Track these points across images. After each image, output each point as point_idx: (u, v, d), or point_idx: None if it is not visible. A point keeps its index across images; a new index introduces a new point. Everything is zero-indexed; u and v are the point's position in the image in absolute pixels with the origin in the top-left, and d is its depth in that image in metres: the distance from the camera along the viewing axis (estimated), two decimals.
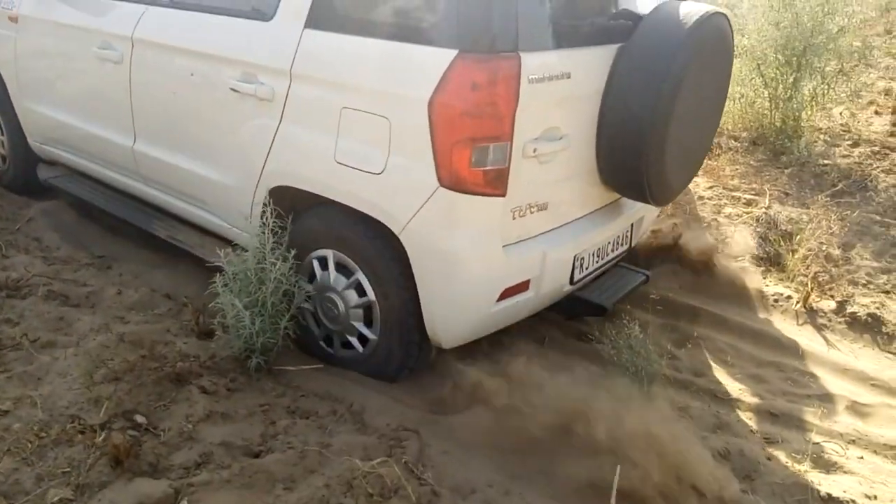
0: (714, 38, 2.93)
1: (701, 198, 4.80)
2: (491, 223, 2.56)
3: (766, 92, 6.08)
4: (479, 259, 2.58)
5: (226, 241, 3.20)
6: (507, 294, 2.70)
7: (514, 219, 2.64)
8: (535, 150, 2.57)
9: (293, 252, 2.78)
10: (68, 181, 4.04)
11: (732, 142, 5.84)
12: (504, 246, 2.63)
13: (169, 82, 3.16)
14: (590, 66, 2.76)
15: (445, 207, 2.48)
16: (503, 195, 2.54)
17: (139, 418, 2.44)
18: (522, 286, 2.75)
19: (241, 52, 2.87)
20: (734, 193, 4.89)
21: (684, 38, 2.73)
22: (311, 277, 2.93)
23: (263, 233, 2.77)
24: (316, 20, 2.67)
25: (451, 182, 2.44)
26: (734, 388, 3.09)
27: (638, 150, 2.81)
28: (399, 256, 2.62)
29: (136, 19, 3.25)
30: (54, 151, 4.03)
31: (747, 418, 2.90)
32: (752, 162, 5.53)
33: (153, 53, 3.21)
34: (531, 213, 2.72)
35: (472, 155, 2.42)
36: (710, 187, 4.98)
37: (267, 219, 2.77)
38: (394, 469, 2.29)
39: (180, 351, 2.83)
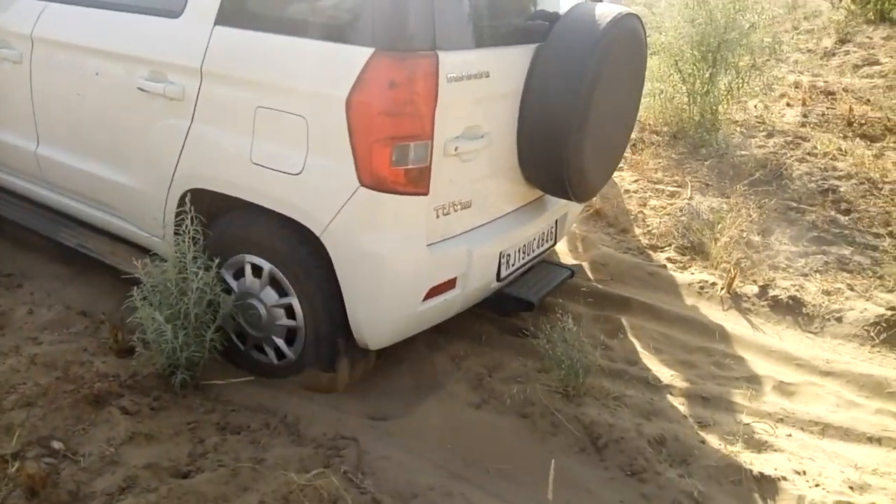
0: (627, 38, 2.98)
1: (627, 191, 4.90)
2: (414, 222, 2.53)
3: (684, 87, 6.25)
4: (403, 258, 2.55)
5: (140, 250, 3.07)
6: (433, 293, 2.68)
7: (437, 217, 2.63)
8: (456, 149, 2.56)
9: (216, 260, 2.69)
10: None
11: (654, 136, 5.99)
12: (429, 245, 2.61)
13: (73, 83, 3.01)
14: (508, 66, 2.77)
15: (367, 207, 2.44)
16: (426, 194, 2.51)
17: (56, 444, 2.30)
18: (449, 284, 2.74)
19: (148, 50, 2.75)
20: (658, 186, 5.02)
21: (598, 39, 2.76)
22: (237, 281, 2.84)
23: (183, 241, 2.66)
24: (226, 17, 2.58)
25: (372, 181, 2.40)
26: (666, 374, 3.15)
27: (557, 148, 2.83)
28: (321, 259, 2.57)
29: (36, 16, 3.08)
30: None
31: (680, 404, 2.97)
32: (673, 155, 5.68)
33: (55, 53, 3.05)
34: (455, 211, 2.70)
35: (393, 154, 2.38)
36: (636, 181, 5.09)
37: (187, 225, 2.65)
38: (331, 480, 2.23)
39: (98, 371, 2.68)
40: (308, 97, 2.43)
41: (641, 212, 4.64)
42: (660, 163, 5.52)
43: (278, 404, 2.69)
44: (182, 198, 2.77)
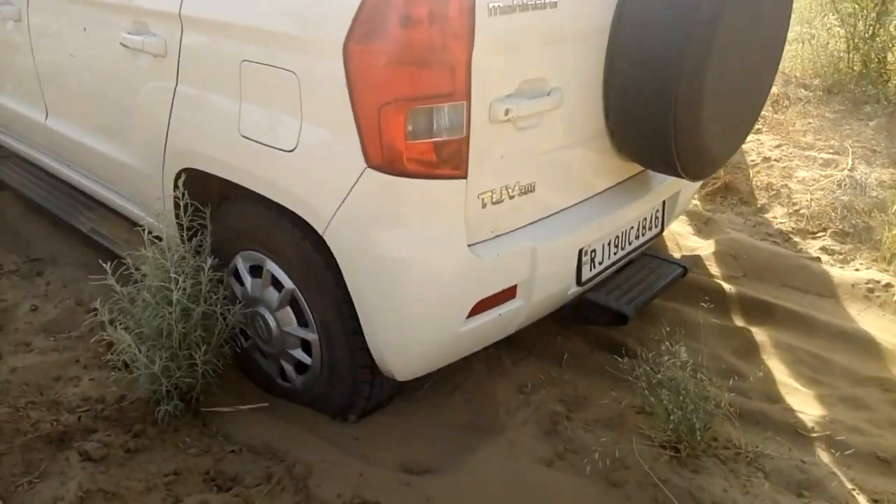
0: None
1: (766, 159, 3.91)
2: (449, 215, 1.84)
3: (842, 31, 5.09)
4: (434, 264, 1.87)
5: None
6: (482, 306, 1.99)
7: (484, 206, 1.91)
8: (507, 112, 1.83)
9: (212, 261, 2.13)
10: (3, 167, 3.50)
11: (802, 91, 4.89)
12: (472, 244, 1.91)
13: (65, 41, 2.53)
14: None
15: (378, 195, 1.77)
16: (463, 176, 1.81)
17: None
18: (506, 294, 2.03)
19: None
20: (808, 153, 3.99)
21: None
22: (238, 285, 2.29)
23: (176, 234, 2.12)
24: None
25: (384, 161, 1.72)
26: (823, 419, 2.27)
27: (663, 106, 2.02)
28: (334, 263, 1.94)
29: None
30: None
31: (845, 467, 2.09)
32: (827, 114, 4.59)
33: (47, 4, 2.57)
34: (510, 197, 1.98)
35: (410, 121, 1.69)
36: (778, 146, 4.08)
37: (180, 214, 2.12)
38: None
39: (81, 392, 2.22)
40: (297, 45, 1.78)
41: (786, 186, 3.65)
42: (810, 123, 4.46)
43: (289, 446, 2.10)
44: (177, 180, 2.24)
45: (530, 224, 2.08)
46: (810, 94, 4.83)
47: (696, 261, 3.03)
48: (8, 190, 3.60)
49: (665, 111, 2.03)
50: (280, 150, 1.87)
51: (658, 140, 2.11)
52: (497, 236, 1.99)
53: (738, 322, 2.71)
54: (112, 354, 2.13)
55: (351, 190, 1.77)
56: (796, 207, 3.46)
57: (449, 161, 1.77)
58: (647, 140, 2.16)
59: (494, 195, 1.93)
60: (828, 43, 5.10)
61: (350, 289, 1.91)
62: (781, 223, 3.36)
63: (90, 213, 3.01)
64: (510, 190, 1.97)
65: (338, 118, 1.74)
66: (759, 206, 3.51)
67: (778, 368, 2.46)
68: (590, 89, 2.10)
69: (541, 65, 1.92)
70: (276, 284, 2.16)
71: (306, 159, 1.83)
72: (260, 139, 1.91)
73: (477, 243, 1.93)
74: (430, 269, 1.87)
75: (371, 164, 1.73)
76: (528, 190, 2.03)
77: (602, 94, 2.13)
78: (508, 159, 1.93)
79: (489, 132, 1.83)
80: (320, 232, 1.88)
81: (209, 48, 1.99)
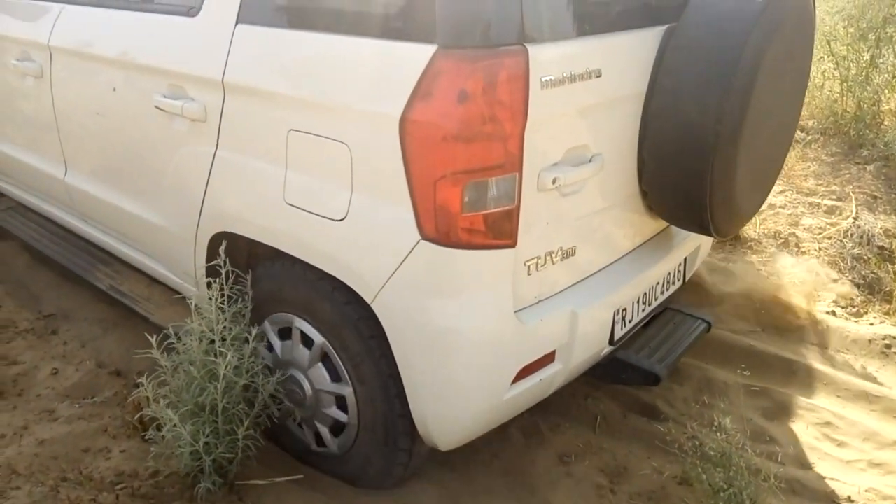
0: (796, 13, 2.16)
1: (772, 205, 3.96)
2: (497, 283, 1.84)
3: (836, 73, 5.20)
4: (483, 333, 1.86)
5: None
6: (525, 372, 1.98)
7: (529, 274, 1.92)
8: (555, 181, 1.85)
9: (254, 330, 2.10)
10: (10, 217, 3.45)
11: (799, 132, 4.97)
12: (518, 311, 1.91)
13: (92, 100, 2.50)
14: (627, 59, 2.02)
15: (431, 267, 1.77)
16: (512, 245, 1.82)
17: None
18: (546, 359, 2.03)
19: (164, 58, 2.19)
20: (811, 199, 4.06)
21: (759, 13, 1.97)
22: (269, 349, 2.26)
23: (212, 298, 2.07)
24: (250, 12, 1.97)
25: (438, 233, 1.73)
26: (858, 486, 2.26)
27: (698, 166, 2.06)
28: (378, 329, 1.93)
29: (53, 22, 2.60)
30: None
31: None
32: (825, 157, 4.68)
33: (72, 64, 2.56)
34: (553, 262, 1.99)
35: (465, 194, 1.70)
36: (782, 191, 4.15)
37: (221, 280, 2.07)
38: None
39: (113, 466, 2.16)
40: (350, 116, 1.78)
41: (793, 234, 3.71)
42: (809, 167, 4.55)
43: None
44: (213, 243, 2.22)
45: (569, 287, 2.09)
46: (807, 136, 4.92)
47: (715, 314, 3.05)
48: (13, 240, 3.54)
49: (701, 173, 2.07)
50: (329, 218, 1.86)
51: (692, 200, 2.15)
52: (540, 301, 1.99)
53: (762, 381, 2.72)
54: (152, 431, 2.07)
55: (403, 261, 1.77)
56: (806, 257, 3.51)
57: (500, 231, 1.78)
58: (680, 200, 2.19)
59: (539, 261, 1.94)
60: (823, 85, 5.20)
61: (397, 357, 1.90)
62: (792, 273, 3.41)
63: (107, 268, 2.96)
64: (554, 255, 1.98)
65: (391, 190, 1.75)
66: (769, 254, 3.56)
67: (806, 431, 2.47)
68: (625, 152, 2.13)
69: (584, 132, 1.94)
70: (307, 342, 2.14)
71: (356, 229, 1.83)
72: (307, 207, 1.91)
73: (522, 309, 1.93)
74: (479, 338, 1.86)
75: (425, 235, 1.73)
76: (570, 254, 2.04)
77: (636, 157, 2.17)
78: (553, 225, 1.94)
79: (537, 200, 1.85)
80: (368, 301, 1.87)
81: (254, 116, 1.99)
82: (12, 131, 3.04)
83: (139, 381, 2.08)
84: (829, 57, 5.20)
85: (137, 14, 2.31)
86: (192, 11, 2.10)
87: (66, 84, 2.60)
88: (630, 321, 2.35)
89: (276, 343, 2.22)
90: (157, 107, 2.21)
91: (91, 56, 2.45)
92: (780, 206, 3.97)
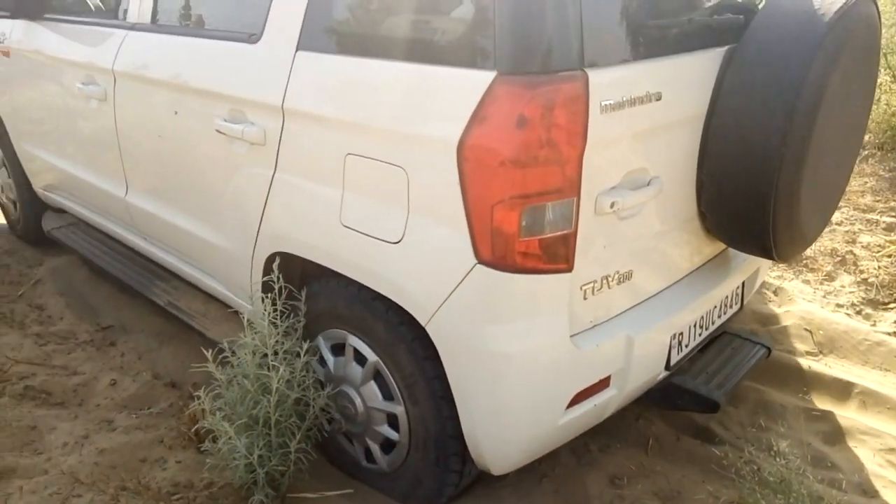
0: (862, 33, 2.11)
1: (828, 223, 3.85)
2: (553, 308, 1.83)
3: (894, 86, 5.06)
4: (538, 358, 1.84)
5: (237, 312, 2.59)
6: (580, 397, 1.96)
7: (585, 298, 1.90)
8: (613, 205, 1.83)
9: (307, 344, 2.13)
10: (72, 233, 3.56)
11: None
12: (573, 335, 1.89)
13: (154, 123, 2.58)
14: (687, 81, 2.00)
15: (487, 291, 1.76)
16: (569, 269, 1.80)
17: None
18: (601, 384, 2.01)
19: (225, 83, 2.24)
20: (869, 216, 3.95)
21: (825, 34, 1.93)
22: (322, 363, 2.28)
23: (265, 313, 2.11)
24: (310, 39, 2.00)
25: (494, 257, 1.72)
26: None
27: (762, 189, 2.02)
28: (432, 351, 1.93)
29: (117, 47, 2.69)
30: (57, 198, 3.55)
31: None
32: (882, 172, 4.56)
33: (135, 88, 2.64)
34: (609, 286, 1.97)
35: (523, 218, 1.69)
36: (838, 208, 4.02)
37: (274, 297, 2.11)
38: None
39: (170, 477, 2.21)
40: (408, 141, 1.79)
41: (851, 252, 3.61)
42: (866, 183, 4.42)
43: None
44: (269, 262, 2.26)
45: (626, 311, 2.07)
46: (864, 151, 4.79)
47: (771, 335, 2.98)
48: (74, 255, 3.66)
49: (764, 196, 2.03)
50: (384, 241, 1.88)
51: (755, 223, 2.10)
52: (595, 325, 1.97)
53: (822, 404, 2.64)
54: (207, 443, 2.11)
55: (459, 284, 1.77)
56: (864, 276, 3.40)
57: (557, 255, 1.77)
58: (742, 223, 2.15)
59: (595, 286, 1.92)
60: (880, 99, 5.06)
61: (450, 379, 1.90)
62: (851, 292, 3.31)
63: (165, 284, 3.04)
64: (610, 279, 1.96)
65: (447, 213, 1.75)
66: (825, 273, 3.47)
67: (867, 457, 2.39)
68: (684, 174, 2.11)
69: (642, 155, 1.92)
70: (360, 359, 2.15)
71: (412, 252, 1.84)
72: (363, 230, 1.93)
73: (577, 334, 1.91)
74: (534, 363, 1.84)
75: (481, 259, 1.73)
76: (627, 278, 2.02)
77: (695, 180, 2.14)
78: (610, 249, 1.92)
79: (594, 224, 1.83)
80: (422, 323, 1.88)
81: (312, 140, 2.02)
82: (75, 151, 3.15)
83: (195, 393, 2.13)
84: (886, 70, 5.07)
85: (199, 40, 2.38)
86: (252, 38, 2.15)
87: (129, 107, 2.68)
88: (687, 346, 2.31)
89: (329, 359, 2.24)
90: (217, 130, 2.26)
91: (153, 80, 2.53)
92: (836, 223, 3.87)
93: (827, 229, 3.82)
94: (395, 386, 2.08)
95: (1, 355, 2.87)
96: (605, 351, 1.96)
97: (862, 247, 3.67)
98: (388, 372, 2.08)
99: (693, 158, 2.11)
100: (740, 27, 2.08)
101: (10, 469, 2.23)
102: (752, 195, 2.04)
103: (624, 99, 1.76)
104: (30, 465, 2.26)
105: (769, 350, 2.57)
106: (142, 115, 2.64)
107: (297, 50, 2.02)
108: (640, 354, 2.04)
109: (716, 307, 2.43)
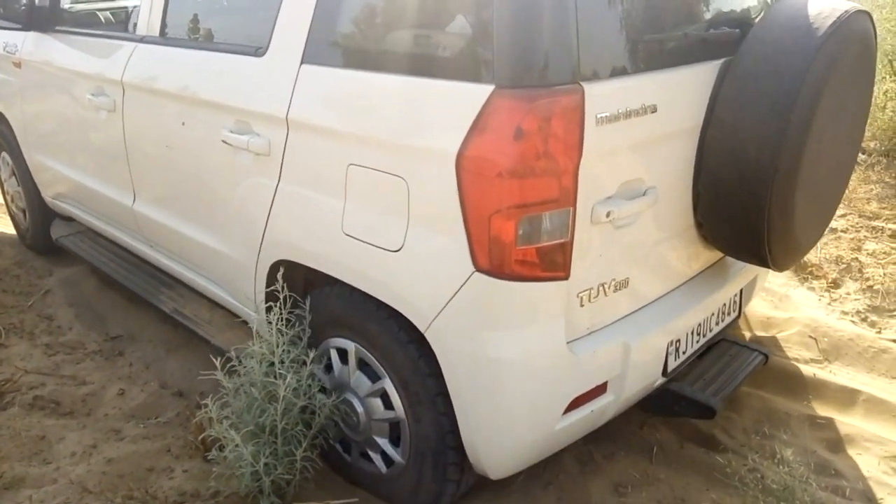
0: (856, 47, 2.14)
1: (833, 230, 3.88)
2: (550, 315, 1.86)
3: None
4: (535, 364, 1.88)
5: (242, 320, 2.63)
6: (577, 403, 1.99)
7: (581, 305, 1.94)
8: (608, 214, 1.86)
9: (313, 353, 2.18)
10: (80, 241, 3.62)
11: (861, 154, 4.86)
12: (570, 342, 1.93)
13: (161, 133, 2.63)
14: (682, 94, 2.03)
15: (485, 299, 1.80)
16: (565, 277, 1.84)
17: None
18: (598, 390, 2.04)
19: (231, 95, 2.29)
20: (874, 223, 3.95)
21: (818, 48, 1.96)
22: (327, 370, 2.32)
23: (270, 322, 2.15)
24: (314, 53, 2.05)
25: (492, 265, 1.76)
26: None
27: (756, 199, 2.05)
28: (431, 358, 1.97)
29: (126, 59, 2.75)
30: (66, 207, 3.61)
31: None
32: (888, 179, 4.57)
33: (143, 99, 2.69)
34: (606, 294, 2.00)
35: (520, 228, 1.73)
36: (843, 215, 4.05)
37: (279, 305, 2.15)
38: None
39: (176, 486, 2.24)
40: (408, 152, 1.84)
41: (856, 259, 3.62)
42: (872, 190, 4.43)
43: None
44: (272, 270, 2.30)
45: (622, 318, 2.10)
46: (869, 158, 4.80)
47: (775, 342, 3.00)
48: (83, 264, 3.72)
49: (759, 206, 2.06)
50: (385, 249, 1.92)
51: (750, 233, 2.13)
52: (592, 332, 2.00)
53: (826, 411, 2.65)
54: (214, 451, 2.15)
55: (457, 292, 1.81)
56: (869, 283, 3.41)
57: (554, 264, 1.80)
58: (737, 232, 2.18)
59: (592, 293, 1.95)
60: (885, 105, 5.07)
61: (449, 386, 1.93)
62: (856, 300, 3.32)
63: (171, 291, 3.08)
64: (607, 287, 1.99)
65: (446, 223, 1.79)
66: (830, 280, 3.48)
67: (872, 464, 2.40)
68: (680, 184, 2.14)
69: (638, 166, 1.96)
70: (365, 368, 2.19)
71: (412, 260, 1.88)
72: (364, 238, 1.97)
73: (574, 340, 1.94)
74: (531, 369, 1.88)
75: (479, 267, 1.77)
76: (623, 285, 2.05)
77: (692, 190, 2.17)
78: (606, 257, 1.95)
79: (590, 233, 1.86)
80: (422, 330, 1.92)
81: (315, 151, 2.06)
82: (84, 161, 3.20)
83: (203, 402, 2.17)
84: (891, 77, 5.08)
85: (207, 53, 2.43)
86: (259, 52, 2.20)
87: (137, 118, 2.74)
88: (684, 353, 2.33)
89: (337, 365, 2.28)
90: (223, 141, 2.30)
91: (161, 92, 2.58)
92: (841, 231, 3.88)
93: (832, 236, 3.84)
94: (395, 395, 2.11)
95: (11, 365, 2.92)
96: (601, 357, 1.99)
97: (867, 254, 3.68)
98: (391, 384, 2.11)
99: (689, 169, 2.14)
100: (736, 41, 2.12)
101: (20, 479, 2.28)
102: (747, 206, 2.07)
103: (619, 111, 1.80)
104: (39, 474, 2.30)
105: (766, 357, 2.59)
106: (150, 126, 2.69)
107: (301, 63, 2.07)
108: (636, 361, 2.07)
109: (713, 314, 2.45)
